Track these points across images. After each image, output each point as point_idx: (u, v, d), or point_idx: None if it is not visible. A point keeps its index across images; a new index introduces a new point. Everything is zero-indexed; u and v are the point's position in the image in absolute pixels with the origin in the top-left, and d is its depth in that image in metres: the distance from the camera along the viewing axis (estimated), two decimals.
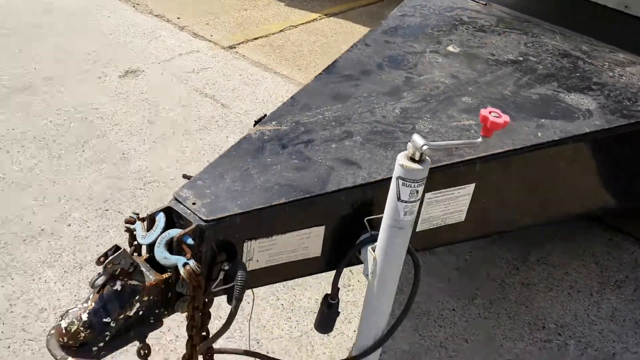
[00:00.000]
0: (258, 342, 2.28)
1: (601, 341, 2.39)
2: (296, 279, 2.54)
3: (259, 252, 1.49)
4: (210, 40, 4.72)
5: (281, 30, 4.99)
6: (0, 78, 3.94)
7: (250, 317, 2.37)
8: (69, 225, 2.79)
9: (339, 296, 1.68)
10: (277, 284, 2.54)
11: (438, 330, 2.40)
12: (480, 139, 1.50)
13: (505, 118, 1.44)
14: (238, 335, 2.31)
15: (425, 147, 1.32)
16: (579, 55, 2.26)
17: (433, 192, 1.64)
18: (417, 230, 1.69)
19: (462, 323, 2.44)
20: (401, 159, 1.36)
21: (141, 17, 5.03)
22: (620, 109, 1.93)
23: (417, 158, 1.35)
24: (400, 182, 1.37)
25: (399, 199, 1.39)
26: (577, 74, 2.12)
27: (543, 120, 1.83)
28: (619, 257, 2.81)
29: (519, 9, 2.59)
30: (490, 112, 1.44)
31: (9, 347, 2.21)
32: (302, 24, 5.14)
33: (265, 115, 1.79)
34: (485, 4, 2.64)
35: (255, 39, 4.80)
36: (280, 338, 2.33)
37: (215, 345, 1.61)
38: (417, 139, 1.33)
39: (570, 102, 1.94)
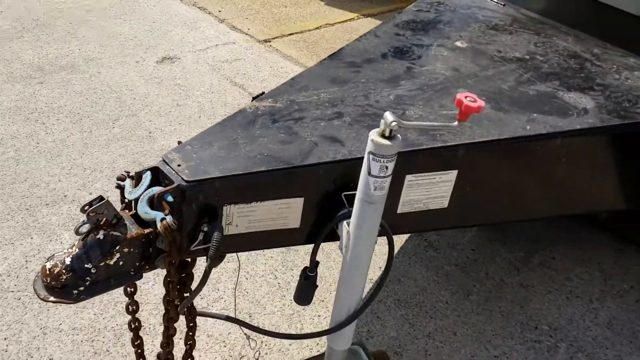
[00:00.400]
0: (250, 316, 2.36)
1: (594, 347, 2.36)
2: (295, 261, 2.64)
3: (238, 217, 1.57)
4: (246, 34, 4.86)
5: (317, 28, 5.09)
6: (47, 56, 4.18)
7: (236, 285, 2.46)
8: (90, 194, 2.94)
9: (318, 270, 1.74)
10: (276, 264, 2.62)
11: (428, 321, 2.42)
12: (456, 123, 1.53)
13: (480, 103, 1.46)
14: (232, 308, 2.40)
15: (394, 124, 1.37)
16: (588, 57, 2.24)
17: (414, 175, 1.68)
18: (399, 212, 1.73)
19: (454, 317, 2.45)
20: (373, 134, 1.41)
21: (184, 8, 5.22)
22: (618, 109, 1.91)
23: (387, 134, 1.40)
24: (371, 157, 1.42)
25: (369, 173, 1.44)
26: (582, 75, 2.11)
27: (535, 115, 1.84)
28: (626, 267, 2.75)
29: (537, 11, 2.58)
30: (465, 97, 1.48)
31: (19, 299, 2.36)
32: (338, 22, 5.22)
33: (264, 92, 1.87)
34: (504, 5, 2.65)
35: (291, 34, 4.92)
36: (272, 314, 2.40)
37: (199, 309, 1.70)
38: (388, 116, 1.38)
39: (568, 100, 1.94)
